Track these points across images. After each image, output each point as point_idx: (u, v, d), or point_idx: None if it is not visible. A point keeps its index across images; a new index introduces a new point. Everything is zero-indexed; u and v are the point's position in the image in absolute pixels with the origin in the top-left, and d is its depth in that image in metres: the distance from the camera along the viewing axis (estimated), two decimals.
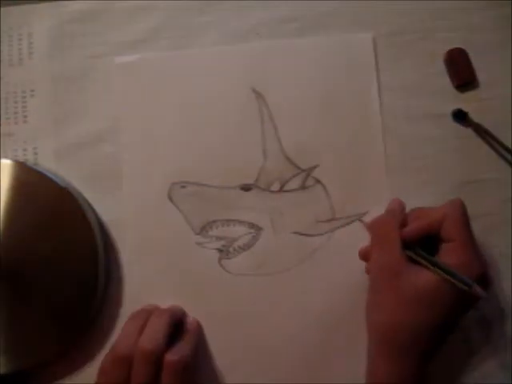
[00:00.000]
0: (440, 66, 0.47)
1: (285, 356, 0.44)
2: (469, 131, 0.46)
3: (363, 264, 0.43)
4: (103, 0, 0.48)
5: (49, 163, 0.47)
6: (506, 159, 0.45)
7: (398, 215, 0.42)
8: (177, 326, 0.42)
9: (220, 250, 0.45)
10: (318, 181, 0.46)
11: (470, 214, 0.44)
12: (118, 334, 0.41)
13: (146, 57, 0.48)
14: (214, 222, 0.45)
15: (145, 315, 0.42)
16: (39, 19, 0.48)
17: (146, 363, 0.38)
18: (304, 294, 0.44)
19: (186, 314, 0.44)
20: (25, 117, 0.48)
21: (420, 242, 0.40)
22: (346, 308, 0.44)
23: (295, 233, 0.45)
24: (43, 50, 0.48)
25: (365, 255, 0.43)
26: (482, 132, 0.45)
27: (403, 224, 0.41)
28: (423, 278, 0.38)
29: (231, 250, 0.45)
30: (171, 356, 0.39)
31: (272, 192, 0.46)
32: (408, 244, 0.39)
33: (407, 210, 0.44)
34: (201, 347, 0.44)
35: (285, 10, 0.48)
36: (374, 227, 0.42)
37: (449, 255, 0.38)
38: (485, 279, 0.38)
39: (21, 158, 0.47)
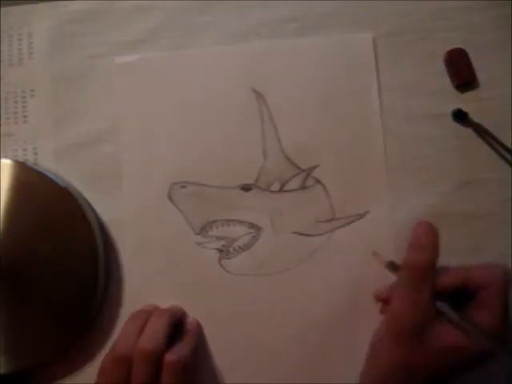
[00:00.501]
0: (440, 66, 0.47)
1: (285, 356, 0.44)
2: (469, 131, 0.46)
3: (363, 264, 0.43)
4: (103, 0, 0.48)
5: (49, 163, 0.47)
6: (506, 159, 0.45)
7: (433, 253, 0.38)
8: (177, 326, 0.42)
9: (220, 250, 0.45)
10: (318, 181, 0.46)
11: (470, 214, 0.45)
12: (118, 334, 0.41)
13: (146, 57, 0.48)
14: (214, 221, 0.45)
15: (145, 315, 0.42)
16: (39, 19, 0.48)
17: (146, 363, 0.38)
18: (304, 294, 0.44)
19: (186, 314, 0.44)
20: (25, 117, 0.48)
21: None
22: (345, 308, 0.44)
23: (295, 233, 0.45)
24: (43, 50, 0.48)
25: (385, 298, 0.41)
26: (481, 132, 0.45)
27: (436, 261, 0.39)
28: (450, 333, 0.36)
29: (231, 249, 0.45)
30: (171, 356, 0.39)
31: (272, 192, 0.46)
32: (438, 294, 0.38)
33: (406, 209, 0.44)
34: (201, 347, 0.44)
35: (285, 10, 0.48)
36: (406, 269, 0.39)
37: (480, 319, 0.37)
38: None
39: (21, 158, 0.47)
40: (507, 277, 0.38)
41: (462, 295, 0.38)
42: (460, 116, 0.45)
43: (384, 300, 0.41)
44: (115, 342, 0.41)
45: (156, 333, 0.40)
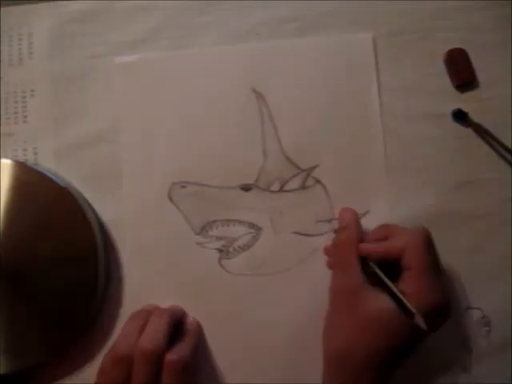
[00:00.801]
0: (440, 66, 0.47)
1: (285, 356, 0.44)
2: (469, 131, 0.46)
3: None
4: (103, 0, 0.48)
5: (49, 163, 0.47)
6: (506, 159, 0.45)
7: (355, 231, 0.41)
8: (177, 326, 0.42)
9: (220, 250, 0.45)
10: (318, 181, 0.46)
11: (470, 214, 0.45)
12: (118, 334, 0.41)
13: (146, 57, 0.48)
14: (214, 221, 0.45)
15: (145, 315, 0.42)
16: (39, 19, 0.48)
17: (146, 363, 0.38)
18: (304, 293, 0.44)
19: (186, 314, 0.44)
20: (25, 117, 0.48)
21: (384, 264, 0.39)
22: None
23: (295, 233, 0.45)
24: (43, 50, 0.48)
25: (327, 252, 0.44)
26: (481, 132, 0.45)
27: (361, 238, 0.41)
28: (379, 305, 0.38)
29: (231, 249, 0.45)
30: (171, 356, 0.39)
31: (272, 192, 0.46)
32: (367, 262, 0.40)
33: (406, 209, 0.44)
34: (201, 347, 0.44)
35: (285, 10, 0.48)
36: (333, 249, 0.42)
37: (405, 283, 0.38)
38: (442, 313, 0.38)
39: (21, 158, 0.47)
40: (423, 234, 0.39)
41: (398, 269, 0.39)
42: (460, 116, 0.45)
43: (327, 252, 0.44)
44: (115, 342, 0.41)
45: (156, 333, 0.40)
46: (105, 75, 0.47)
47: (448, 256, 0.44)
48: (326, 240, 0.45)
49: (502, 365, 0.43)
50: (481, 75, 0.46)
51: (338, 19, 0.47)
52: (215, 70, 0.47)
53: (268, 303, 0.44)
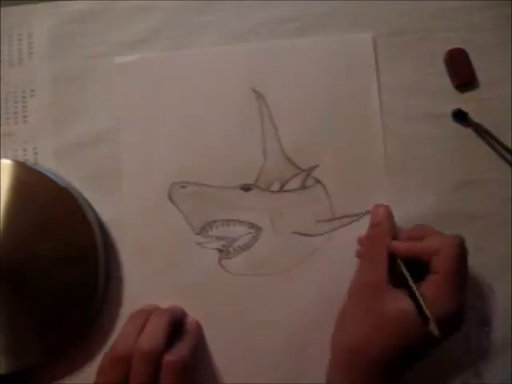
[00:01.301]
0: (440, 66, 0.47)
1: (284, 356, 0.44)
2: (469, 131, 0.46)
3: None
4: (103, 0, 0.48)
5: (49, 163, 0.47)
6: (506, 159, 0.45)
7: (388, 228, 0.41)
8: (176, 325, 0.42)
9: (220, 250, 0.45)
10: (318, 181, 0.46)
11: (470, 214, 0.45)
12: (118, 334, 0.41)
13: (146, 57, 0.48)
14: (214, 221, 0.45)
15: (144, 315, 0.42)
16: (39, 19, 0.48)
17: (145, 363, 0.38)
18: (304, 293, 0.44)
19: (186, 314, 0.44)
20: (25, 117, 0.48)
21: (409, 264, 0.39)
22: None
23: (295, 233, 0.45)
24: (43, 50, 0.48)
25: (360, 241, 0.44)
26: (482, 132, 0.45)
27: (394, 235, 0.41)
28: (399, 305, 0.37)
29: (231, 249, 0.45)
30: (170, 356, 0.39)
31: (272, 192, 0.46)
32: (397, 260, 0.39)
33: (406, 209, 0.44)
34: (201, 347, 0.44)
35: (285, 10, 0.48)
36: (364, 241, 0.43)
37: (427, 286, 0.38)
38: (455, 322, 0.38)
39: (21, 158, 0.47)
40: (459, 243, 0.39)
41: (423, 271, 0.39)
42: (460, 116, 0.45)
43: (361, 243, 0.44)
44: (114, 342, 0.41)
45: (155, 333, 0.40)
46: (105, 75, 0.47)
47: None
48: (327, 240, 0.45)
49: (502, 365, 0.43)
50: (481, 75, 0.46)
51: (338, 19, 0.47)
52: (215, 70, 0.47)
53: (268, 303, 0.44)
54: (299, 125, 0.46)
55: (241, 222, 0.45)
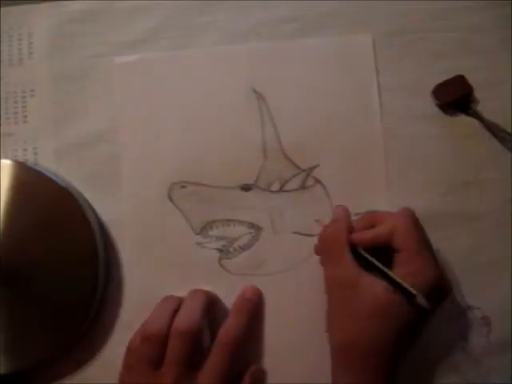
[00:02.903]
0: (440, 66, 0.47)
1: (284, 356, 0.44)
2: (469, 131, 0.46)
3: None
4: (103, 0, 0.48)
5: (49, 163, 0.47)
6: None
7: (344, 224, 0.41)
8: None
9: (220, 250, 0.45)
10: (318, 181, 0.46)
11: (470, 214, 0.45)
12: (149, 315, 0.41)
13: (146, 57, 0.48)
14: (214, 222, 0.45)
15: (177, 300, 0.42)
16: (39, 19, 0.48)
17: (184, 342, 0.39)
18: (304, 293, 0.44)
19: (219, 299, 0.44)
20: (25, 117, 0.48)
21: (375, 250, 0.40)
22: None
23: (295, 233, 0.45)
24: (43, 50, 0.48)
25: (317, 250, 0.43)
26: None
27: (352, 231, 0.41)
28: (376, 290, 0.37)
29: (231, 249, 0.45)
30: (222, 333, 0.40)
31: (272, 192, 0.46)
32: (358, 250, 0.40)
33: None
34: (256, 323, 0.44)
35: (285, 10, 0.48)
36: (322, 240, 0.42)
37: (399, 265, 0.38)
38: (440, 288, 0.38)
39: (21, 158, 0.47)
40: (408, 214, 0.40)
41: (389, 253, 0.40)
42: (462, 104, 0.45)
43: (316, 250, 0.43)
44: (146, 321, 0.41)
45: (193, 312, 0.40)
46: (105, 75, 0.47)
47: (448, 256, 0.44)
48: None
49: (502, 365, 0.43)
50: (481, 75, 0.46)
51: (338, 19, 0.47)
52: (215, 70, 0.47)
53: (268, 303, 0.44)
54: (299, 125, 0.46)
55: (241, 222, 0.45)
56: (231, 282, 0.44)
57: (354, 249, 0.40)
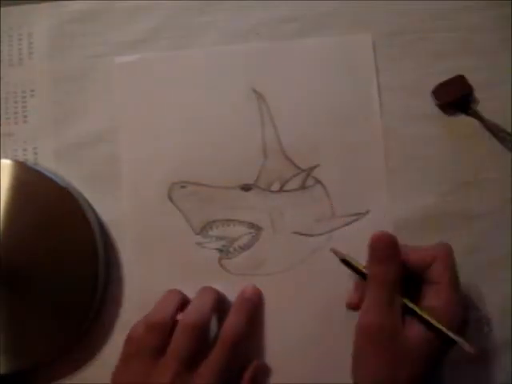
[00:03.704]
0: (440, 66, 0.47)
1: (284, 356, 0.44)
2: (469, 131, 0.46)
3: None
4: (103, 0, 0.48)
5: (49, 163, 0.47)
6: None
7: (398, 261, 0.38)
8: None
9: (220, 250, 0.45)
10: (318, 181, 0.46)
11: (470, 214, 0.45)
12: (154, 305, 0.41)
13: (146, 57, 0.48)
14: (214, 222, 0.45)
15: (181, 295, 0.42)
16: (39, 19, 0.48)
17: (189, 336, 0.38)
18: (304, 294, 0.44)
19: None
20: (25, 117, 0.48)
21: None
22: (346, 308, 0.44)
23: (295, 233, 0.45)
24: (43, 50, 0.48)
25: (355, 305, 0.41)
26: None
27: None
28: (414, 332, 0.37)
29: (231, 249, 0.45)
30: (226, 328, 0.39)
31: (272, 192, 0.46)
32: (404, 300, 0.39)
33: (406, 209, 0.44)
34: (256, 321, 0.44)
35: (285, 10, 0.48)
36: (372, 278, 0.39)
37: (433, 297, 0.38)
38: (465, 323, 0.38)
39: (21, 158, 0.47)
40: (451, 249, 0.39)
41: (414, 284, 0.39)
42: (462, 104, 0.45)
43: (355, 307, 0.41)
44: (150, 312, 0.41)
45: (202, 307, 0.40)
46: (105, 75, 0.47)
47: None
48: (326, 240, 0.44)
49: (502, 365, 0.43)
50: (481, 75, 0.46)
51: (338, 19, 0.47)
52: (215, 70, 0.47)
53: (268, 303, 0.44)
54: (299, 125, 0.46)
55: (241, 222, 0.45)
56: (231, 282, 0.44)
57: None
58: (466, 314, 0.38)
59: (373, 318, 0.38)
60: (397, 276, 0.38)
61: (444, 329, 0.36)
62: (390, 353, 0.37)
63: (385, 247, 0.39)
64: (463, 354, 0.37)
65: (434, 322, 0.37)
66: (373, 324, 0.38)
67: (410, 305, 0.38)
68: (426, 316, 0.37)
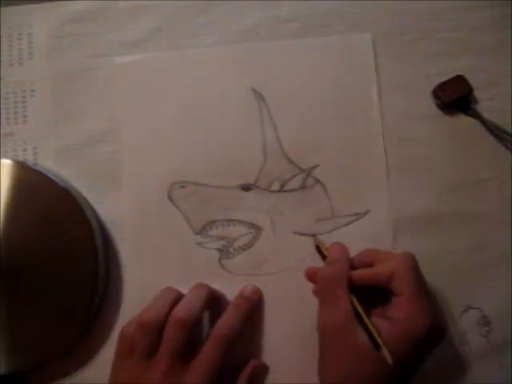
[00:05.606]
0: (440, 66, 0.47)
1: (284, 356, 0.44)
2: (469, 131, 0.46)
3: None
4: (103, 0, 0.48)
5: (49, 163, 0.47)
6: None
7: (345, 264, 0.40)
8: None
9: (220, 250, 0.45)
10: (318, 181, 0.46)
11: (470, 214, 0.45)
12: (148, 304, 0.41)
13: (146, 57, 0.48)
14: (214, 222, 0.45)
15: (176, 292, 0.42)
16: (39, 19, 0.49)
17: (180, 331, 0.38)
18: (304, 293, 0.44)
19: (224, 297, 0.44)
20: (25, 117, 0.48)
21: (371, 289, 0.39)
22: None
23: (295, 233, 0.45)
24: (43, 50, 0.48)
25: (311, 276, 0.42)
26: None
27: (351, 267, 0.40)
28: (357, 340, 0.37)
29: (231, 249, 0.45)
30: (217, 329, 0.39)
31: (272, 192, 0.46)
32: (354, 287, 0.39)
33: (406, 209, 0.44)
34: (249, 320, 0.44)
35: (285, 10, 0.48)
36: (321, 280, 0.40)
37: (396, 309, 0.38)
38: (435, 334, 0.38)
39: (21, 158, 0.47)
40: (409, 258, 0.39)
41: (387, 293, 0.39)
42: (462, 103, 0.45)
43: (311, 278, 0.42)
44: (143, 310, 0.40)
45: (193, 303, 0.40)
46: (105, 75, 0.47)
47: (448, 256, 0.44)
48: (326, 240, 0.44)
49: (502, 365, 0.43)
50: (481, 75, 0.46)
51: (338, 19, 0.47)
52: (215, 70, 0.47)
53: (268, 303, 0.44)
54: (299, 125, 0.46)
55: (241, 222, 0.45)
56: (231, 281, 0.44)
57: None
58: (435, 323, 0.37)
59: (323, 314, 0.39)
60: (341, 274, 0.39)
61: (375, 333, 0.36)
62: (343, 351, 0.37)
63: (335, 252, 0.42)
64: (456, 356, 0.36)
65: (367, 322, 0.37)
66: (321, 319, 0.39)
67: (354, 303, 0.38)
68: (365, 319, 0.37)
